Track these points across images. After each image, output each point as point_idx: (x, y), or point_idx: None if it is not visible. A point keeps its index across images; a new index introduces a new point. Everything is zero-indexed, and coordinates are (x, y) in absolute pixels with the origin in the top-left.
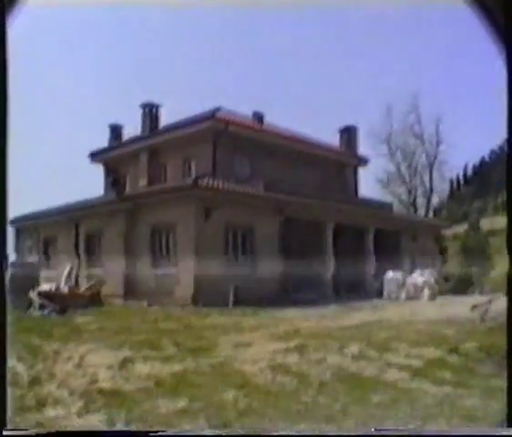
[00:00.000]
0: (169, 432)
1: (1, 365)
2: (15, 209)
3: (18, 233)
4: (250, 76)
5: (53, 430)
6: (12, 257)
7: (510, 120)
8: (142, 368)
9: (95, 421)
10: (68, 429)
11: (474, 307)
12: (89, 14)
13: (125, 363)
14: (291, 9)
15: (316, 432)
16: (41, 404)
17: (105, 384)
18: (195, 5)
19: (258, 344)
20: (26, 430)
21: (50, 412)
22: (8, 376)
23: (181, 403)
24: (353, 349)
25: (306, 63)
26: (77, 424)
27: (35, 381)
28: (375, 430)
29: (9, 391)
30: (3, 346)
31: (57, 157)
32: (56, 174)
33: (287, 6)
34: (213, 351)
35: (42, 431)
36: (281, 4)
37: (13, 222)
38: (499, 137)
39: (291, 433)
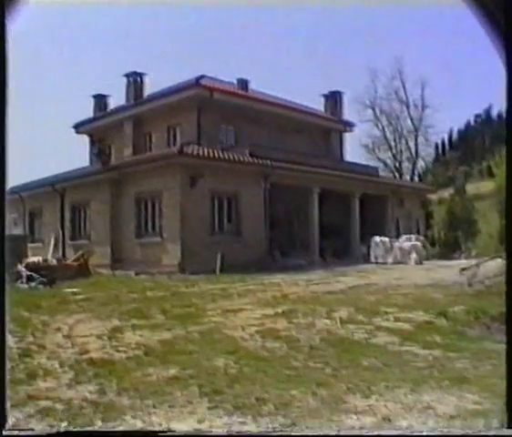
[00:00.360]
0: (175, 433)
1: (1, 365)
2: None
3: None
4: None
5: (53, 430)
6: None
7: (510, 120)
8: (131, 337)
9: (85, 392)
10: (59, 402)
11: (462, 270)
12: None
13: (114, 333)
14: None
15: (316, 433)
16: (31, 376)
17: (95, 354)
18: None
19: (246, 310)
20: (26, 430)
21: (41, 384)
22: None
23: (172, 371)
24: (342, 313)
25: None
26: (68, 396)
27: (24, 354)
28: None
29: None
30: (2, 345)
31: (42, 128)
32: (41, 146)
33: None
34: (202, 318)
35: (42, 431)
36: None
37: None
38: (485, 102)
39: (291, 434)
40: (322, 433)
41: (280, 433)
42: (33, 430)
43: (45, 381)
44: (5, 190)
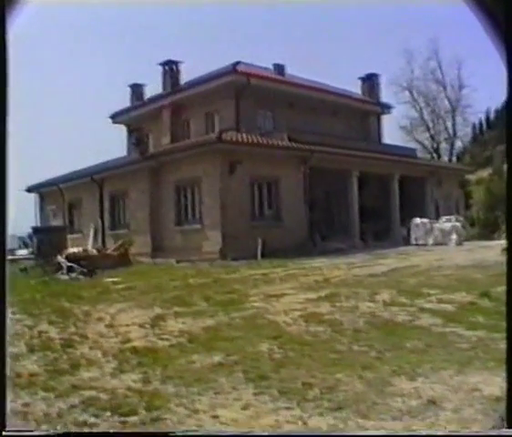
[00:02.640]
0: (179, 432)
1: (1, 365)
2: (39, 175)
3: (42, 199)
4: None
5: (53, 430)
6: (37, 222)
7: (510, 120)
8: (174, 324)
9: (129, 381)
10: (103, 391)
11: (504, 250)
12: None
13: (156, 321)
14: None
15: (316, 433)
16: (75, 367)
17: (137, 343)
18: None
19: (289, 295)
20: (26, 430)
21: (84, 374)
22: (41, 340)
23: (216, 358)
24: (385, 296)
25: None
26: (112, 385)
27: (67, 344)
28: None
29: (42, 354)
30: (2, 345)
31: (80, 120)
32: (80, 137)
33: None
34: (244, 304)
35: (42, 431)
36: None
37: (36, 188)
38: None
39: (293, 434)
40: (322, 433)
41: (280, 433)
42: (33, 430)
43: (88, 370)
44: (5, 186)
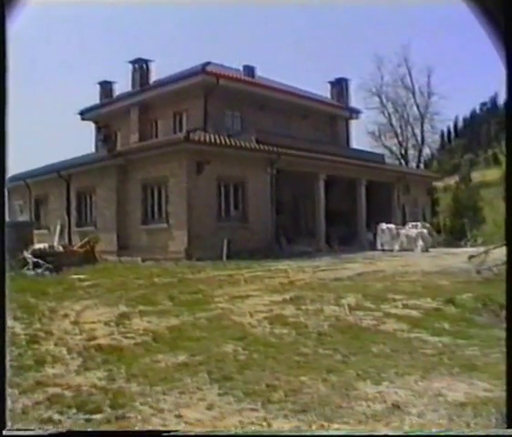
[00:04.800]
0: (179, 433)
1: (0, 365)
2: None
3: (9, 193)
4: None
5: (53, 430)
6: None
7: (510, 121)
8: (139, 323)
9: (94, 379)
10: (67, 388)
11: (471, 257)
12: None
13: (122, 319)
14: None
15: (316, 432)
16: (40, 363)
17: (103, 341)
18: None
19: (254, 296)
20: (26, 430)
21: (49, 371)
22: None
23: (181, 357)
24: (350, 300)
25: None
26: (77, 382)
27: (32, 340)
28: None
29: (7, 350)
30: (2, 345)
31: (48, 115)
32: (47, 133)
33: None
34: (209, 305)
35: (42, 432)
36: None
37: None
38: (490, 90)
39: (290, 434)
40: (322, 433)
41: (279, 433)
42: (33, 430)
43: (53, 367)
44: (4, 182)
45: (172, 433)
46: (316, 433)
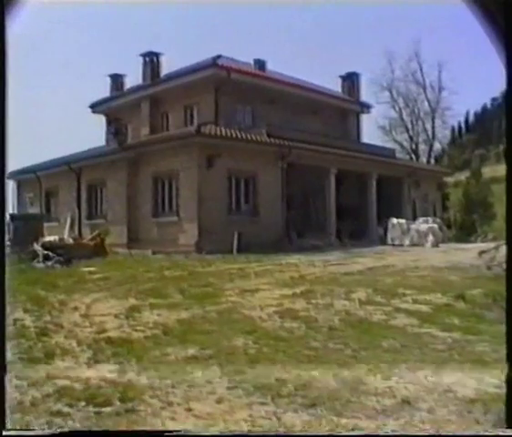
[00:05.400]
0: (175, 433)
1: (0, 366)
2: (16, 162)
3: (19, 186)
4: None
5: (53, 430)
6: (14, 209)
7: (510, 121)
8: (149, 316)
9: (104, 372)
10: (77, 381)
11: (481, 253)
12: None
13: (132, 312)
14: None
15: (316, 433)
16: (49, 356)
17: (112, 333)
18: None
19: (264, 290)
20: (26, 430)
21: (59, 364)
22: (15, 328)
23: (191, 351)
24: (360, 294)
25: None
26: (87, 375)
27: (42, 333)
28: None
29: (16, 342)
30: (2, 345)
31: (59, 108)
32: (59, 126)
33: None
34: (220, 298)
35: (42, 432)
36: None
37: (14, 175)
38: (501, 86)
39: (290, 433)
40: (322, 433)
41: (279, 433)
42: (33, 430)
43: (63, 360)
44: (4, 175)
45: (172, 433)
46: (316, 433)
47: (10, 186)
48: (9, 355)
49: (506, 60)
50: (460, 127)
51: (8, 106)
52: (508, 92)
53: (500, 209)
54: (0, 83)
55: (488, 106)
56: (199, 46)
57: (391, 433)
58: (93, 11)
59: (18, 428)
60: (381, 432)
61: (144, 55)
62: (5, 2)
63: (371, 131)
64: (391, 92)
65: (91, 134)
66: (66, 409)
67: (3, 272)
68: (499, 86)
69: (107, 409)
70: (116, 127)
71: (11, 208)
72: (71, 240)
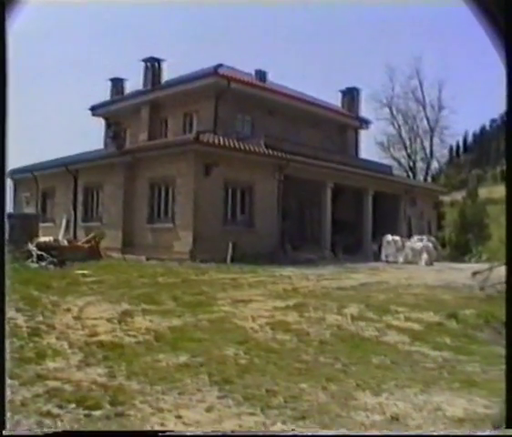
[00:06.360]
0: (176, 433)
1: (0, 365)
2: (13, 161)
3: (16, 185)
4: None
5: (52, 431)
6: (10, 208)
7: (510, 122)
8: (141, 321)
9: (95, 375)
10: (68, 383)
11: (475, 273)
12: None
13: (124, 316)
14: None
15: (316, 433)
16: (40, 356)
17: (104, 337)
18: None
19: (257, 301)
20: (26, 430)
21: (50, 364)
22: (8, 327)
23: (182, 358)
24: (353, 309)
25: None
26: (77, 377)
27: (34, 333)
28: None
29: (8, 342)
30: (2, 345)
31: (59, 110)
32: (57, 127)
33: None
34: (212, 307)
35: (42, 431)
36: None
37: (11, 174)
38: (501, 107)
39: (290, 433)
40: (322, 433)
41: (279, 433)
42: (33, 430)
43: (54, 361)
44: (4, 176)
45: (172, 433)
46: (316, 433)
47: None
48: None
49: (507, 60)
50: (458, 147)
51: (9, 106)
52: (509, 92)
53: (495, 230)
54: (0, 83)
55: (487, 127)
56: (197, 56)
57: (391, 433)
58: (94, 12)
59: (18, 428)
60: (381, 432)
61: (145, 61)
62: (5, 2)
63: (369, 147)
64: (390, 109)
65: (89, 133)
66: (55, 410)
67: (2, 272)
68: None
69: (97, 412)
70: (114, 131)
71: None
72: (66, 242)
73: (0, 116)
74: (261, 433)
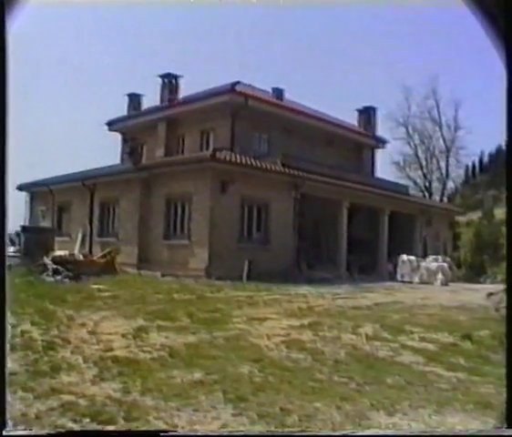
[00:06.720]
0: (178, 433)
1: (1, 366)
2: (31, 175)
3: (32, 198)
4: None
5: (52, 431)
6: (26, 221)
7: (510, 122)
8: (156, 337)
9: (109, 390)
10: (82, 397)
11: (490, 294)
12: None
13: (139, 332)
14: None
15: (316, 433)
16: (55, 370)
17: (119, 352)
18: None
19: (272, 319)
20: (26, 430)
21: (64, 378)
22: (23, 339)
23: (197, 375)
24: (368, 329)
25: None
26: (92, 392)
27: (49, 347)
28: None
29: (23, 354)
30: (2, 346)
31: (76, 125)
32: (74, 142)
33: None
34: (227, 324)
35: (41, 432)
36: None
37: (27, 187)
38: None
39: (290, 433)
40: (322, 433)
41: (279, 433)
42: (33, 430)
43: (68, 375)
44: (5, 187)
45: (174, 433)
46: (316, 433)
47: (23, 197)
48: (16, 366)
49: (507, 60)
50: (474, 167)
51: (9, 107)
52: (509, 92)
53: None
54: (0, 83)
55: (503, 147)
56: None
57: (391, 433)
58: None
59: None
60: (381, 432)
61: (163, 77)
62: (5, 2)
63: (385, 166)
64: (407, 128)
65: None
66: (70, 424)
67: (3, 273)
68: None
69: (111, 427)
70: (131, 147)
71: (23, 219)
72: (81, 256)
73: (0, 116)
74: (261, 433)
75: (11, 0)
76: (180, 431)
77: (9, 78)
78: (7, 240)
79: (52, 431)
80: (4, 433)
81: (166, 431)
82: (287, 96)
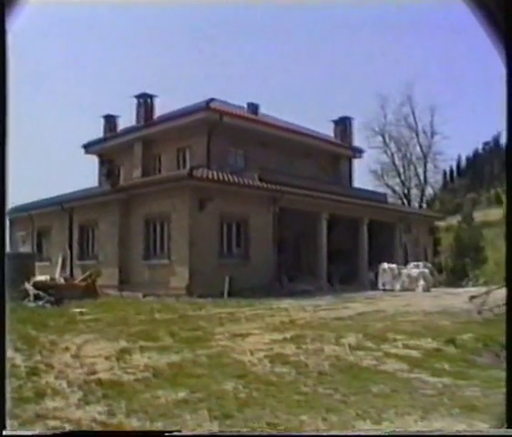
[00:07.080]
0: (181, 433)
1: (0, 366)
2: (8, 201)
3: (11, 224)
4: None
5: (52, 431)
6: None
7: (510, 122)
8: (140, 359)
9: (94, 413)
10: (67, 422)
11: (472, 298)
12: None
13: (122, 354)
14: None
15: (316, 433)
16: (40, 395)
17: (103, 375)
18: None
19: (255, 335)
20: (26, 431)
21: (49, 404)
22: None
23: (181, 394)
24: (351, 339)
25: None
26: (77, 416)
27: (32, 372)
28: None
29: (7, 382)
30: (2, 346)
31: (52, 148)
32: (51, 166)
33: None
34: (210, 342)
35: (41, 432)
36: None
37: (7, 213)
38: (493, 129)
39: (290, 434)
40: (322, 433)
41: (279, 434)
42: (33, 430)
43: (53, 400)
44: (5, 207)
45: (177, 433)
46: (316, 434)
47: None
48: None
49: (507, 60)
50: (452, 172)
51: (9, 107)
52: (509, 92)
53: (491, 254)
54: (0, 84)
55: (480, 150)
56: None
57: (391, 433)
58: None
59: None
60: (381, 432)
61: (138, 97)
62: (5, 2)
63: (362, 175)
64: (383, 136)
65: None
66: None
67: (2, 271)
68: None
69: (112, 427)
70: (108, 169)
71: None
72: (62, 280)
73: (0, 116)
74: (260, 434)
75: (11, 0)
76: (185, 432)
77: (9, 78)
78: None
79: (52, 432)
80: (4, 433)
81: (170, 432)
82: (262, 110)
